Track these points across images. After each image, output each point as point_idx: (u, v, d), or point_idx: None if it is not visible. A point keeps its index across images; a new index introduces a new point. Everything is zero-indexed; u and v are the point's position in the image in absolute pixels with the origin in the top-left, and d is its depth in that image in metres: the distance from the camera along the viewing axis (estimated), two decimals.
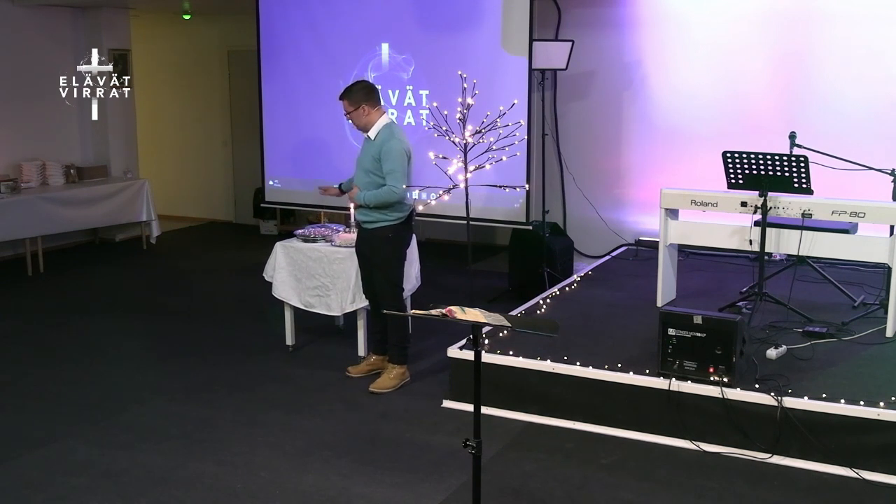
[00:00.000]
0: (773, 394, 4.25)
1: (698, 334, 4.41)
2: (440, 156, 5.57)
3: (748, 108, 7.23)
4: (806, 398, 4.21)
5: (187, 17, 10.37)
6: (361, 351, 5.79)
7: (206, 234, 10.57)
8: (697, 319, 4.41)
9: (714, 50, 7.35)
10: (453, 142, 5.57)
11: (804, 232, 5.26)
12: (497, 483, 4.04)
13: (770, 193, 5.22)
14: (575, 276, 6.74)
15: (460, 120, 5.50)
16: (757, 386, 4.35)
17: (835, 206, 5.18)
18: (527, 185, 6.78)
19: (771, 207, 5.25)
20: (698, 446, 4.38)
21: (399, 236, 5.28)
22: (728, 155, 5.28)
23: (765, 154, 5.16)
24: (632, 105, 7.78)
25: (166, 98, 11.03)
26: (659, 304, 5.75)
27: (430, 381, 5.39)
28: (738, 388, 4.34)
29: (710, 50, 7.37)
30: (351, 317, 5.95)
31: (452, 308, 3.06)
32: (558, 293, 6.26)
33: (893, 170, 5.48)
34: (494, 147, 5.74)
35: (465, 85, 5.45)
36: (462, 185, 5.53)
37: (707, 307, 5.15)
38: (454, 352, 5.03)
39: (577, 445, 4.48)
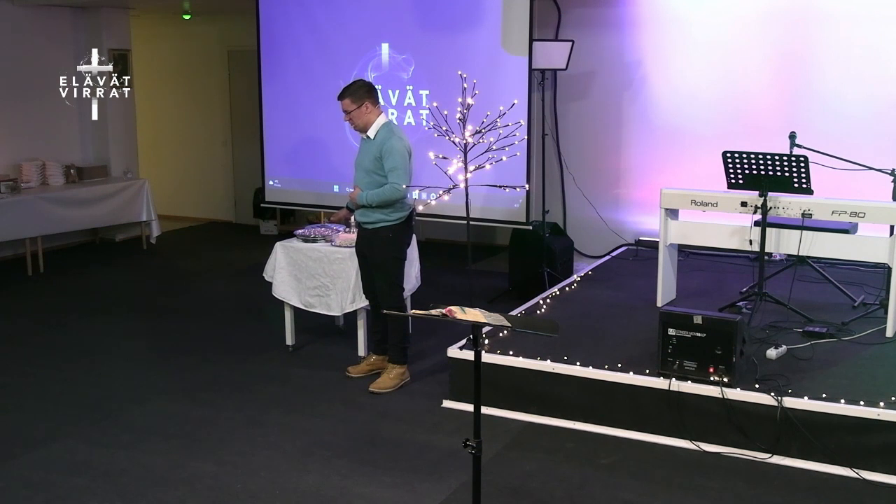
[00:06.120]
0: (773, 394, 4.25)
1: (698, 334, 4.41)
2: (440, 156, 5.57)
3: (748, 108, 7.23)
4: (806, 398, 4.21)
5: (187, 17, 10.37)
6: (361, 351, 5.79)
7: (206, 234, 10.57)
8: (697, 319, 4.41)
9: (714, 50, 7.35)
10: (453, 142, 5.57)
11: (804, 232, 5.26)
12: (497, 483, 4.04)
13: (770, 193, 5.22)
14: (575, 276, 6.74)
15: (460, 120, 5.51)
16: (757, 386, 4.35)
17: (835, 206, 5.18)
18: (527, 185, 6.78)
19: (771, 207, 5.25)
20: (698, 446, 4.38)
21: (399, 236, 5.28)
22: (728, 155, 5.28)
23: (765, 154, 5.16)
24: (632, 105, 7.78)
25: (166, 98, 11.02)
26: (659, 304, 5.75)
27: (430, 381, 5.39)
28: (738, 388, 4.34)
29: (710, 50, 7.37)
30: (351, 317, 5.95)
31: (452, 308, 3.06)
32: (558, 293, 6.26)
33: (893, 170, 5.49)
34: (494, 147, 5.75)
35: (465, 85, 5.46)
36: (462, 185, 5.52)
37: (707, 307, 5.15)
38: (454, 352, 5.03)
39: (577, 445, 4.48)
